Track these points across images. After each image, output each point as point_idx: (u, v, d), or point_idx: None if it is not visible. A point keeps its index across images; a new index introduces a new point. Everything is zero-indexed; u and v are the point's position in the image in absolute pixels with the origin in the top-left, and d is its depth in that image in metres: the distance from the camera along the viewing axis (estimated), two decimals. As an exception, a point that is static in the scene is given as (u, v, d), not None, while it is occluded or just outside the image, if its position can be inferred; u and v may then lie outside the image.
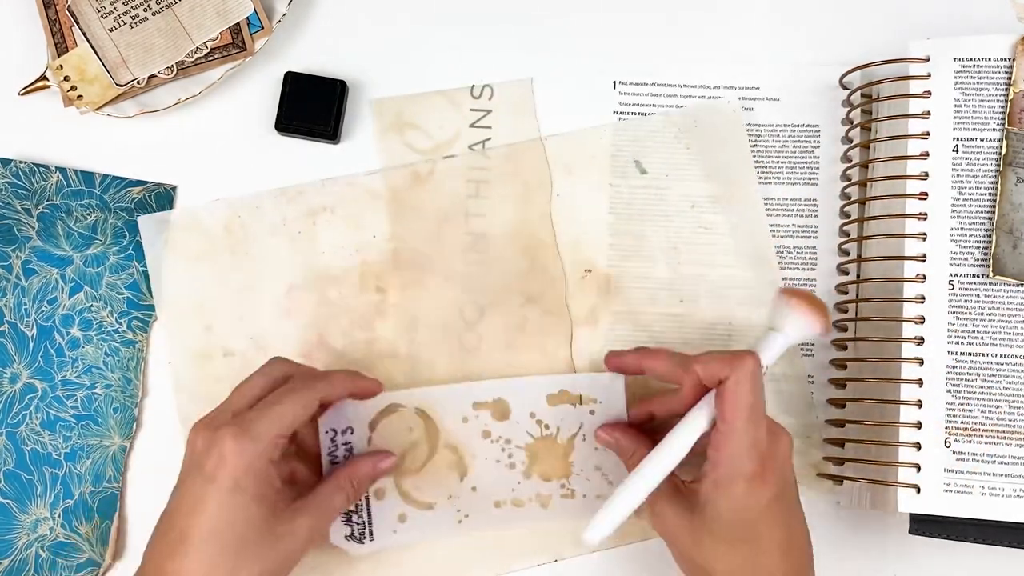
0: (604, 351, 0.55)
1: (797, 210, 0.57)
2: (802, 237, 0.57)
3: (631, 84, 0.58)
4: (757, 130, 0.58)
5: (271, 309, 0.56)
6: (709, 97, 0.58)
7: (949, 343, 0.51)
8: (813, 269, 0.57)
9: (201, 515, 0.44)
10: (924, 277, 0.52)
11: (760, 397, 0.46)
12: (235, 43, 0.56)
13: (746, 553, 0.46)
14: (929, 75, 0.53)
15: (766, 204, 0.57)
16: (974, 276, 0.52)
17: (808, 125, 0.58)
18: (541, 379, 0.55)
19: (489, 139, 0.58)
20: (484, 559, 0.55)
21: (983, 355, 0.51)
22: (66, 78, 0.55)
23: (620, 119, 0.58)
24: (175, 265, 0.56)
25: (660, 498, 0.48)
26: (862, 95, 0.56)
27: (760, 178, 0.57)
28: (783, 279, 0.57)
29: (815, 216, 0.57)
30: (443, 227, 0.57)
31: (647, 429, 0.52)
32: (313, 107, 0.56)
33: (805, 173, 0.58)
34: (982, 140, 0.52)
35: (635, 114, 0.58)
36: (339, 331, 0.56)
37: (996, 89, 0.52)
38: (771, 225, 0.57)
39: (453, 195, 0.57)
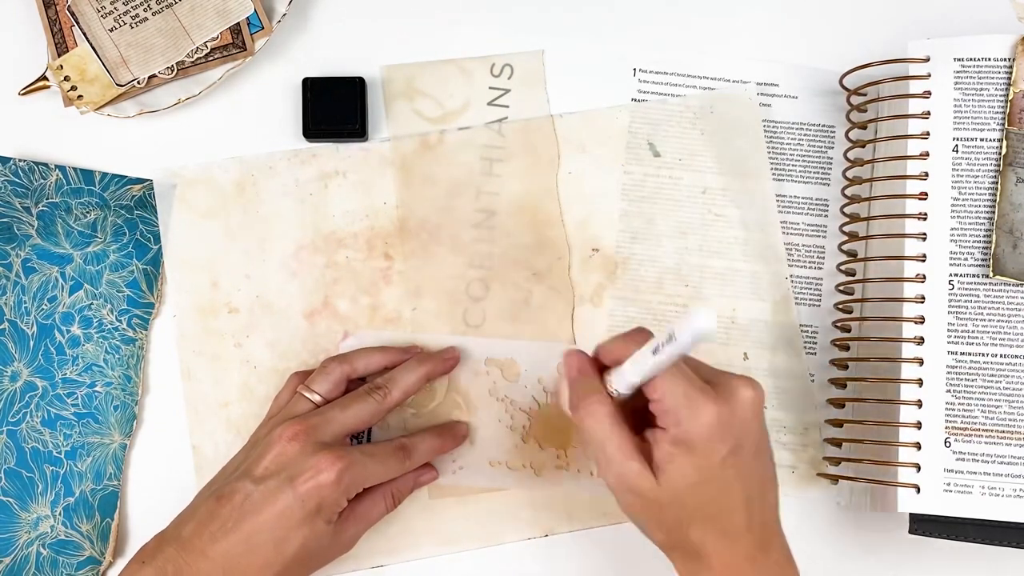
0: (607, 330, 0.56)
1: (808, 208, 0.57)
2: (811, 236, 0.57)
3: (651, 72, 0.58)
4: (773, 126, 0.58)
5: (278, 269, 0.57)
6: (729, 82, 0.58)
7: (949, 343, 0.51)
8: (820, 268, 0.57)
9: (277, 532, 0.46)
10: (924, 277, 0.52)
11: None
12: (235, 43, 0.56)
13: (709, 512, 0.43)
14: (929, 75, 0.53)
15: (778, 200, 0.57)
16: (974, 276, 0.52)
17: (824, 126, 0.58)
18: (554, 345, 0.55)
19: (506, 118, 0.58)
20: (474, 531, 0.55)
21: (983, 355, 0.51)
22: (66, 78, 0.55)
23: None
24: (186, 220, 0.57)
25: (630, 458, 0.43)
26: (862, 95, 0.56)
27: (774, 174, 0.57)
28: (790, 276, 0.57)
29: (825, 216, 0.57)
30: (453, 200, 0.57)
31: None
32: (338, 108, 0.56)
33: (818, 173, 0.58)
34: (982, 140, 0.52)
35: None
36: (345, 294, 0.57)
37: (996, 89, 0.52)
38: (782, 222, 0.57)
39: (465, 169, 0.57)
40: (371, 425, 0.52)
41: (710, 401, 0.43)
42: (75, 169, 0.57)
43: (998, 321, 0.51)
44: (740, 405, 0.43)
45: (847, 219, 0.56)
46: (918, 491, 0.50)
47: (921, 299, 0.52)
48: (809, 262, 0.57)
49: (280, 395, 0.53)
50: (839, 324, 0.56)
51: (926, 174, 0.52)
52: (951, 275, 0.52)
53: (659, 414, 0.43)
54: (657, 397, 0.43)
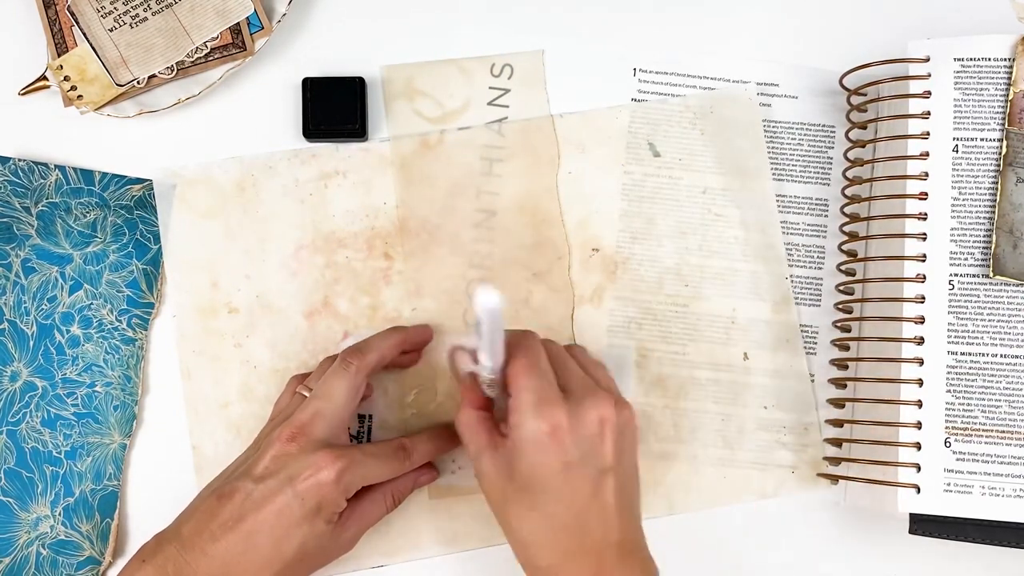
0: (606, 331, 0.56)
1: (808, 208, 0.57)
2: (811, 236, 0.57)
3: (651, 72, 0.58)
4: (774, 126, 0.58)
5: (278, 269, 0.57)
6: (729, 82, 0.58)
7: (949, 343, 0.51)
8: (820, 268, 0.57)
9: (277, 530, 0.46)
10: (924, 277, 0.52)
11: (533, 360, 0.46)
12: (235, 43, 0.56)
13: (537, 516, 0.45)
14: (929, 75, 0.53)
15: (778, 201, 0.57)
16: (974, 276, 0.52)
17: (824, 126, 0.58)
18: None
19: (506, 118, 0.58)
20: (474, 531, 0.55)
21: (983, 355, 0.51)
22: (66, 78, 0.56)
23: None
24: (186, 220, 0.57)
25: (483, 451, 0.47)
26: (862, 95, 0.56)
27: (774, 174, 0.57)
28: (790, 276, 0.57)
29: (825, 216, 0.57)
30: (453, 200, 0.57)
31: None
32: (337, 108, 0.56)
33: (818, 173, 0.58)
34: (982, 140, 0.52)
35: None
36: (344, 294, 0.57)
37: (996, 89, 0.52)
38: (782, 222, 0.57)
39: (464, 169, 0.57)
40: (357, 398, 0.50)
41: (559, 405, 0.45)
42: (75, 169, 0.57)
43: (998, 321, 0.51)
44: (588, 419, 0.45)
45: (847, 219, 0.56)
46: (918, 491, 0.50)
47: (921, 299, 0.52)
48: (809, 262, 0.57)
49: (281, 398, 0.53)
50: (839, 324, 0.56)
51: (926, 174, 0.52)
52: (951, 275, 0.52)
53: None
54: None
